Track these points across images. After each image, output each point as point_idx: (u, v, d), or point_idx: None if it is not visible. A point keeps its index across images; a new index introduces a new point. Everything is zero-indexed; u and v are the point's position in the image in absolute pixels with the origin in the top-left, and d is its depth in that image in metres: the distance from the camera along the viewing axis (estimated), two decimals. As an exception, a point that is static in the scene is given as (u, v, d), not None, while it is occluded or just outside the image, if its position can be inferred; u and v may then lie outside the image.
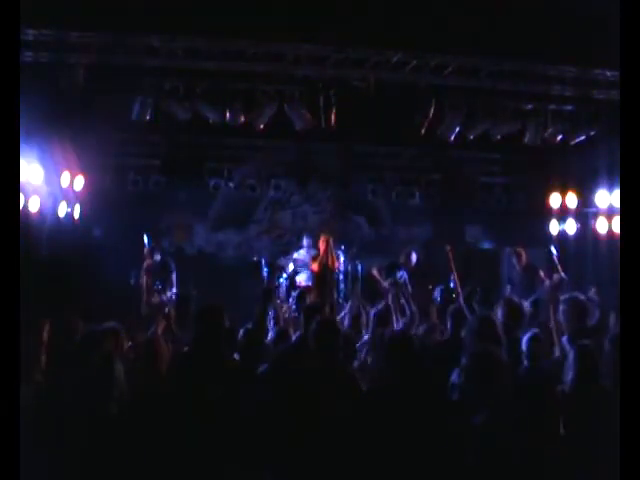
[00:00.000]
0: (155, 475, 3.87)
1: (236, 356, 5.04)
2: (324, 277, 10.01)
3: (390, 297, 6.58)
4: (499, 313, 5.50)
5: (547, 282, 8.69)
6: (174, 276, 9.22)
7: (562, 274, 8.99)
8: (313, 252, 10.35)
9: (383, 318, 6.18)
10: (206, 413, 4.02)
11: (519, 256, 9.66)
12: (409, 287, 9.64)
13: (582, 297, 5.70)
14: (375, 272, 10.53)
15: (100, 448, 3.78)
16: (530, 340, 4.91)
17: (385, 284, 10.29)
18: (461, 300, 6.81)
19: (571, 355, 4.32)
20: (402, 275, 10.45)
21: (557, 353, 5.11)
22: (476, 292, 7.16)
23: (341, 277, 11.28)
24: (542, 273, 8.98)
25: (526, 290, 8.92)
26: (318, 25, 7.94)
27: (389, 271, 10.37)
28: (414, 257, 10.47)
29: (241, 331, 5.29)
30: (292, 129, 9.73)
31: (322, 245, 10.20)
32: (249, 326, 5.47)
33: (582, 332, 5.11)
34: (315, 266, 10.16)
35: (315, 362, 4.26)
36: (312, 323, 4.47)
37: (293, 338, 5.63)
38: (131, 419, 3.97)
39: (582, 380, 4.19)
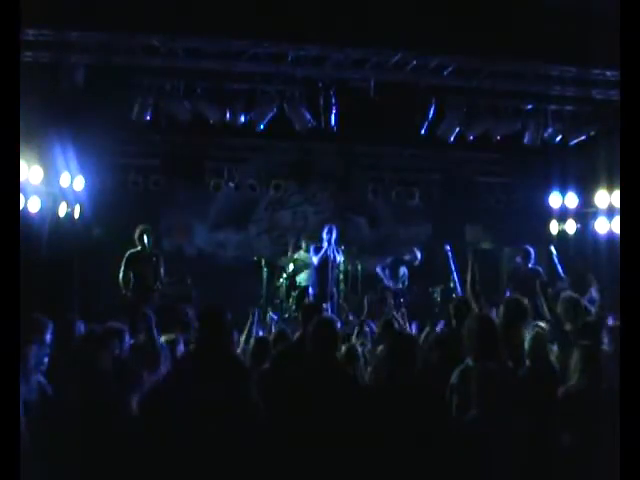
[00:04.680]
0: (157, 475, 3.86)
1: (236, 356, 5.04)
2: (324, 276, 9.99)
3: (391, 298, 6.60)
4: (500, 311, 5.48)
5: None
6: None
7: (562, 274, 8.99)
8: (314, 248, 10.32)
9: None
10: (208, 412, 4.01)
11: (526, 256, 9.36)
12: (407, 286, 9.69)
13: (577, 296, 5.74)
14: (379, 270, 10.55)
15: (100, 448, 3.78)
16: (533, 339, 4.90)
17: (388, 283, 10.33)
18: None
19: (574, 356, 4.32)
20: (404, 273, 10.49)
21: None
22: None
23: (341, 277, 11.27)
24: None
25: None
26: (318, 25, 7.94)
27: (392, 268, 10.40)
28: (418, 254, 10.52)
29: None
30: (292, 129, 9.73)
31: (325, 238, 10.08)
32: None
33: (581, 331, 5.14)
34: (315, 260, 10.14)
35: (314, 362, 4.25)
36: (311, 323, 4.47)
37: (293, 338, 5.64)
38: (132, 419, 3.97)
39: (584, 381, 4.19)
